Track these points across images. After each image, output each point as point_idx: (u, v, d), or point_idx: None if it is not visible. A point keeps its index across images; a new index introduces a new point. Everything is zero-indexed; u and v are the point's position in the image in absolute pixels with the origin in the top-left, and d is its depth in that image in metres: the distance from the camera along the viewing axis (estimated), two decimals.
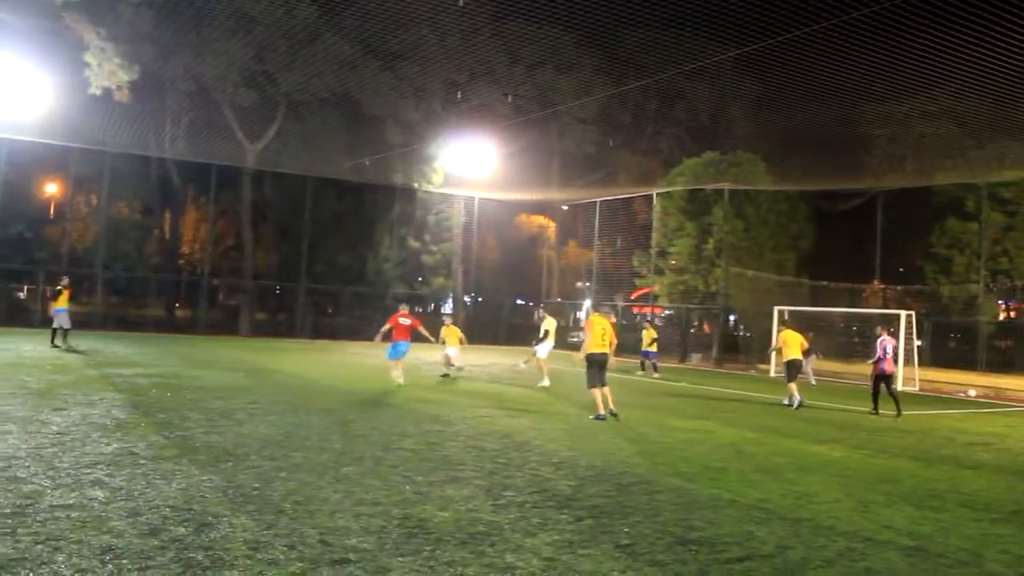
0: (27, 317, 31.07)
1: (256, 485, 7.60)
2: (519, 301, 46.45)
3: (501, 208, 44.44)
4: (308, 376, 19.13)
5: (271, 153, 38.62)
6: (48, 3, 29.53)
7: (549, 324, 20.86)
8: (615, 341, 14.38)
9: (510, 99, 39.13)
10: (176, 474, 7.87)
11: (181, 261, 42.75)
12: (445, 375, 20.77)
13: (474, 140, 37.96)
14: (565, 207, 45.95)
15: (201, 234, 44.01)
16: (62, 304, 22.83)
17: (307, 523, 6.47)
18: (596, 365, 13.90)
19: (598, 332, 13.98)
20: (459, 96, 37.86)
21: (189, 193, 43.57)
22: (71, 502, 6.63)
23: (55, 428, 9.97)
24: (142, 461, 8.35)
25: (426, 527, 6.58)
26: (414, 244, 41.10)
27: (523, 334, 38.74)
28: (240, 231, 40.72)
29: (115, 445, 9.06)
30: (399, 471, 8.69)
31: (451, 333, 21.22)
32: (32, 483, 7.18)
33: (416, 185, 39.78)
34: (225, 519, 6.42)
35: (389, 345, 18.14)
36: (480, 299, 44.23)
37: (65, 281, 23.36)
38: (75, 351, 21.90)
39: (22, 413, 10.97)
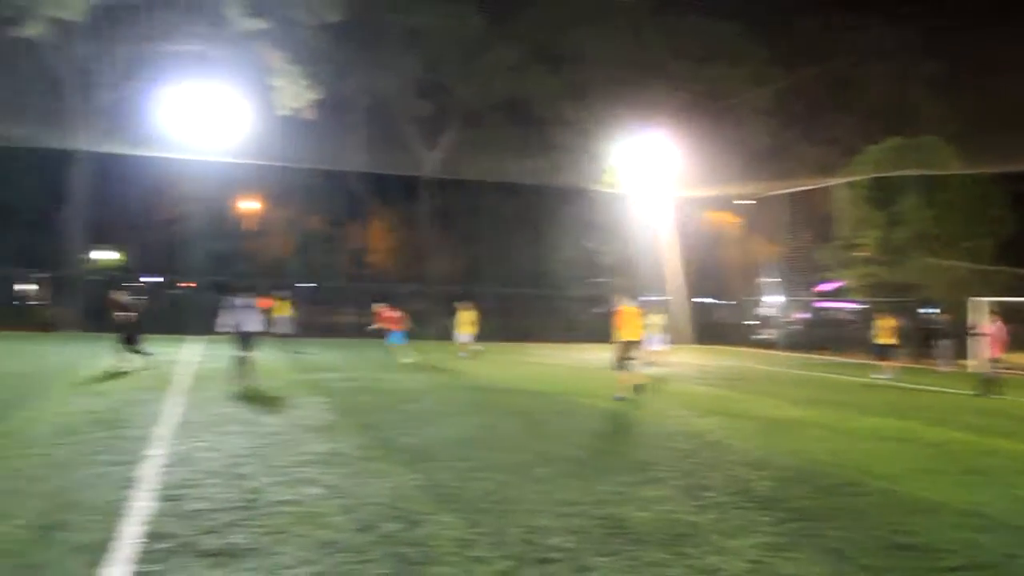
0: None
1: (457, 484, 7.86)
2: (705, 300, 45.52)
3: (681, 205, 43.78)
4: (495, 378, 19.51)
5: (448, 160, 39.72)
6: (238, 34, 31.58)
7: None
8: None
9: (683, 94, 38.60)
10: (382, 473, 8.24)
11: (368, 269, 44.52)
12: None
13: (649, 138, 37.65)
14: (746, 202, 44.81)
15: (386, 243, 45.75)
16: (283, 312, 24.91)
17: (509, 522, 6.64)
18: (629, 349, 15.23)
19: (634, 321, 15.37)
20: (629, 94, 37.67)
21: (373, 203, 45.41)
22: (290, 498, 7.09)
23: (270, 429, 10.67)
24: (350, 460, 8.81)
25: (626, 527, 6.62)
26: (591, 245, 41.21)
27: (719, 332, 38.31)
28: (422, 238, 42.14)
29: (325, 445, 9.59)
30: (594, 471, 8.77)
31: (465, 318, 24.94)
32: (254, 480, 7.72)
33: (591, 185, 39.87)
34: (432, 517, 6.69)
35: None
36: (667, 298, 43.70)
37: (285, 293, 25.65)
38: (301, 354, 23.80)
39: (240, 415, 11.79)
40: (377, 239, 46.68)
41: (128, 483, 7.41)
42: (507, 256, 40.66)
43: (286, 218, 39.20)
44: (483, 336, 26.64)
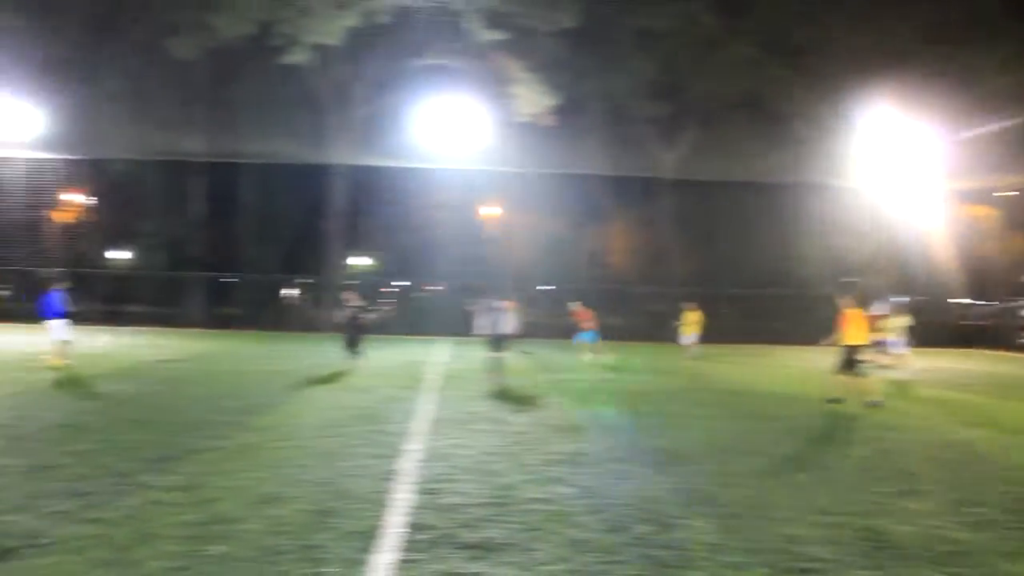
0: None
1: (709, 489, 7.71)
2: (962, 300, 42.26)
3: (935, 199, 40.86)
4: (737, 380, 19.03)
5: (685, 160, 39.22)
6: (478, 46, 32.73)
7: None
8: None
9: (936, 80, 35.97)
10: (631, 475, 8.23)
11: (608, 271, 44.72)
12: None
13: (896, 128, 35.39)
14: (1008, 193, 41.16)
15: (624, 244, 45.81)
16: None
17: (764, 529, 6.45)
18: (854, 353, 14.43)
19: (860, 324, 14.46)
20: (874, 83, 35.58)
21: (612, 205, 45.58)
22: (541, 496, 7.22)
23: (518, 428, 10.93)
24: (598, 461, 8.85)
25: (888, 541, 6.26)
26: (837, 242, 39.34)
27: (978, 335, 35.51)
28: (659, 239, 41.83)
29: (572, 445, 9.70)
30: (852, 480, 8.35)
31: (690, 319, 24.99)
32: (507, 477, 7.93)
33: (835, 181, 38.04)
34: (683, 521, 6.60)
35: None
36: (915, 298, 40.97)
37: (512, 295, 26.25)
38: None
39: (489, 414, 12.18)
40: (615, 241, 46.83)
41: (389, 476, 7.83)
42: (747, 256, 39.54)
43: (527, 222, 40.11)
44: (724, 338, 26.11)
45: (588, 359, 22.58)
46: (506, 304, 17.47)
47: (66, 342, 17.20)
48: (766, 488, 7.83)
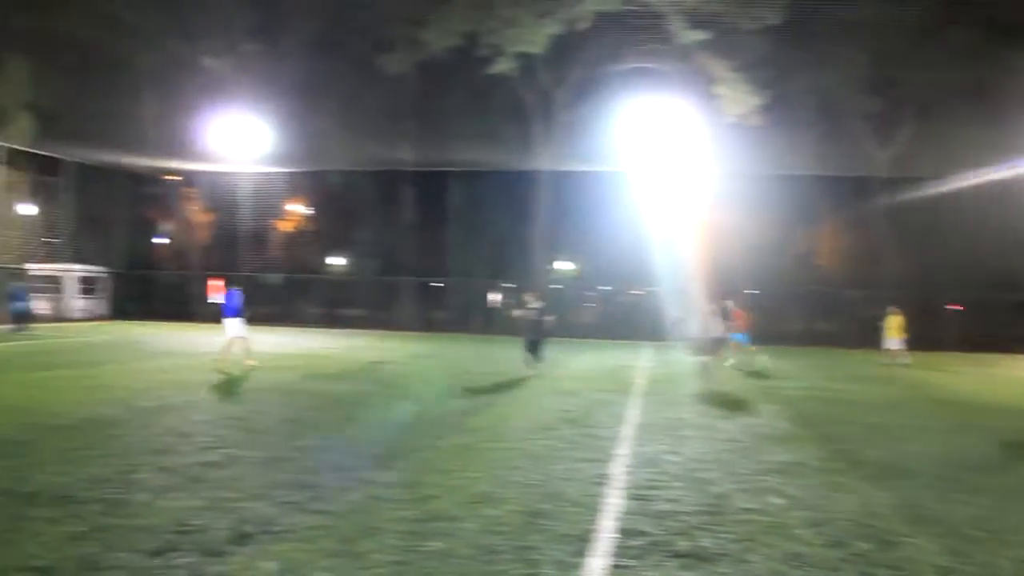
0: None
1: (933, 505, 7.27)
2: None
3: None
4: (966, 391, 17.81)
5: (902, 157, 37.14)
6: (681, 47, 32.33)
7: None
8: None
9: None
10: (847, 488, 7.88)
11: (817, 274, 42.99)
12: None
13: None
14: None
15: (835, 246, 43.88)
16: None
17: (999, 553, 6.01)
18: None
19: None
20: None
21: (822, 206, 43.80)
22: (754, 506, 7.03)
23: (727, 435, 10.70)
24: (812, 472, 8.53)
25: None
26: None
27: None
28: (873, 241, 39.78)
29: (785, 455, 9.39)
30: None
31: (893, 324, 23.79)
32: (718, 485, 7.78)
33: None
34: (907, 539, 6.26)
35: None
36: None
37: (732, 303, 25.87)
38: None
39: (696, 420, 12.00)
40: (825, 243, 44.95)
41: (599, 480, 7.86)
42: (972, 258, 36.83)
43: (733, 224, 39.15)
44: (944, 346, 24.50)
45: (730, 362, 21.65)
46: (715, 308, 17.16)
47: (242, 339, 17.81)
48: (998, 507, 7.29)
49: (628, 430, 10.89)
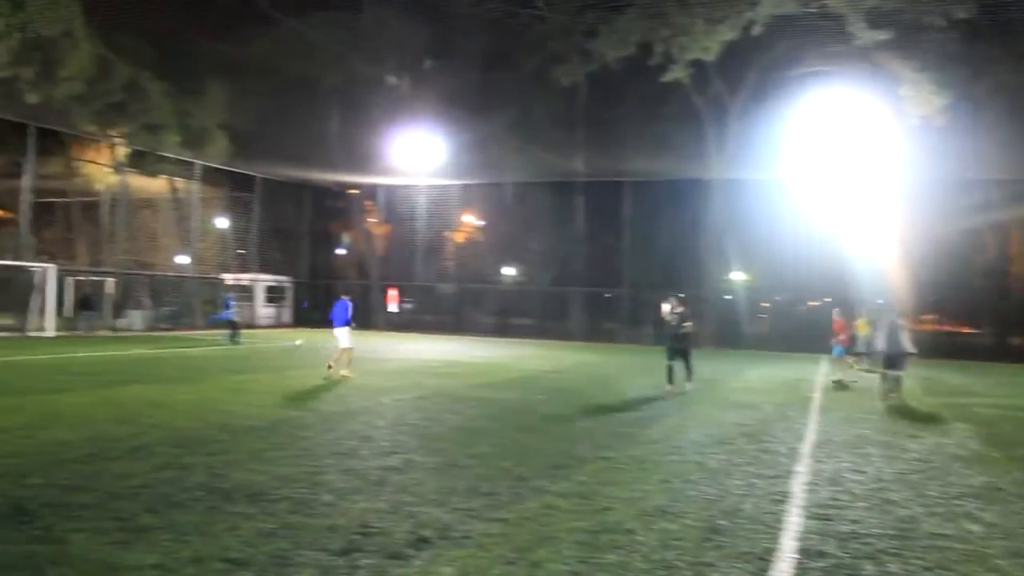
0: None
1: None
2: None
3: None
4: None
5: None
6: (861, 48, 30.99)
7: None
8: None
9: None
10: None
11: (1010, 282, 40.20)
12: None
13: None
14: None
15: None
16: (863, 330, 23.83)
17: None
18: None
19: None
20: None
21: (1014, 211, 40.91)
22: (948, 532, 6.64)
23: (914, 455, 10.17)
24: (1011, 498, 7.98)
25: None
26: None
27: None
28: None
29: (978, 478, 8.83)
30: None
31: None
32: (906, 508, 7.39)
33: None
34: None
35: None
36: None
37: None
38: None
39: (879, 437, 11.46)
40: (1016, 249, 41.95)
41: (777, 497, 7.63)
42: None
43: (917, 231, 37.17)
44: None
45: (836, 378, 20.30)
46: (903, 320, 16.37)
47: (348, 349, 17.90)
48: None
49: (807, 446, 10.53)
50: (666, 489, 7.81)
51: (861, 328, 23.49)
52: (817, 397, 16.89)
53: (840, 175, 33.57)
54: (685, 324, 16.73)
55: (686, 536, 6.22)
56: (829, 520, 6.86)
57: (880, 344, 16.21)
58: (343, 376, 17.38)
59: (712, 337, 35.77)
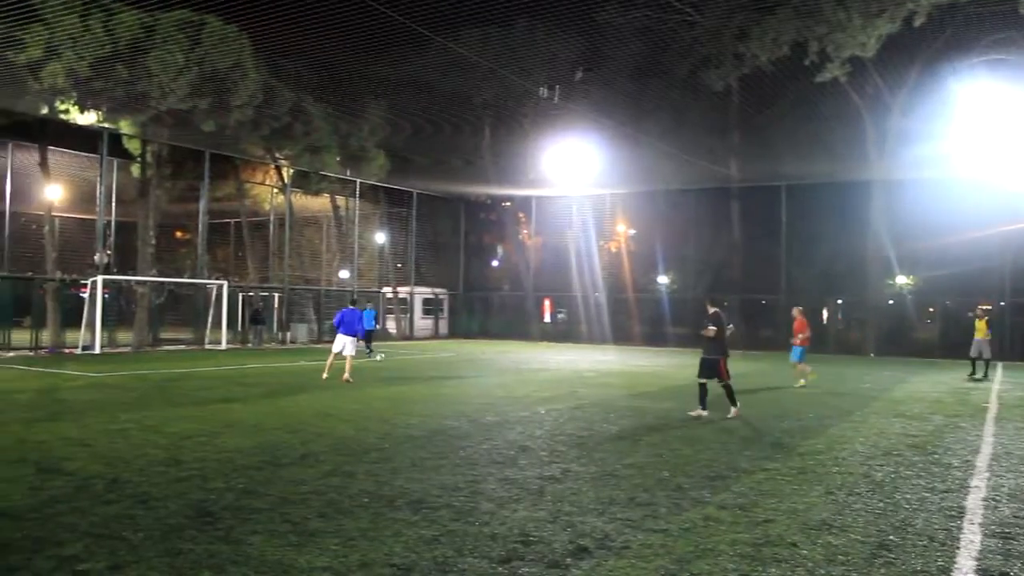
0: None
1: None
2: None
3: None
4: None
5: None
6: None
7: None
8: None
9: None
10: None
11: None
12: None
13: None
14: None
15: None
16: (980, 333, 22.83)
17: None
18: None
19: None
20: None
21: None
22: None
23: None
24: None
25: None
26: None
27: None
28: None
29: None
30: None
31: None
32: None
33: None
34: None
35: None
36: None
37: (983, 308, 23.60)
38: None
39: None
40: None
41: (951, 512, 7.25)
42: None
43: None
44: None
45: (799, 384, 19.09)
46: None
47: (351, 356, 18.88)
48: None
49: (983, 459, 9.95)
50: (830, 502, 7.57)
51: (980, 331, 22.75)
52: (993, 406, 15.91)
53: (1014, 169, 31.53)
54: (707, 329, 13.56)
55: (853, 551, 6.00)
56: (1011, 539, 6.47)
57: None
58: (345, 380, 18.32)
59: (876, 343, 34.38)
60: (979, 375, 22.52)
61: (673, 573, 5.44)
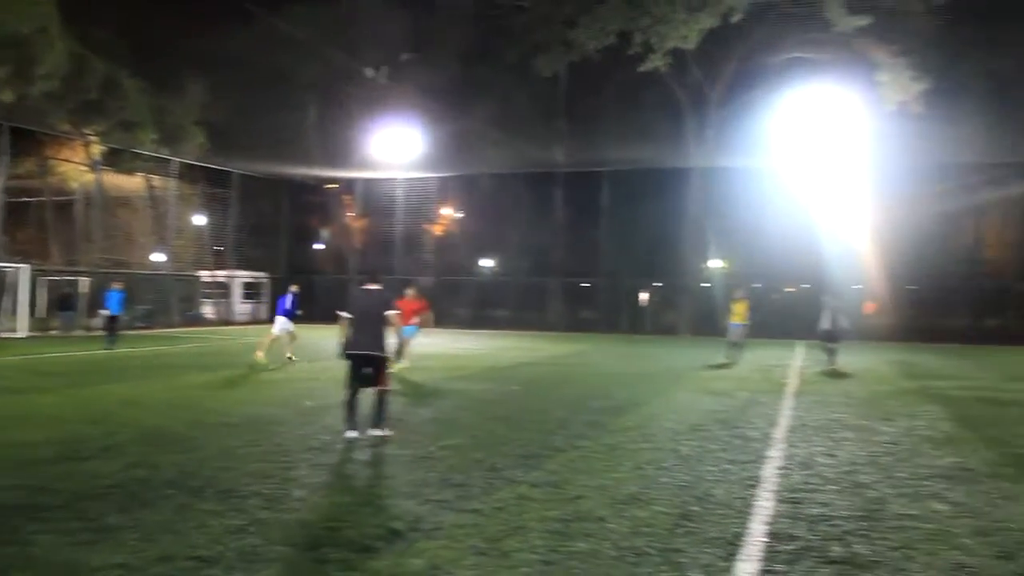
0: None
1: None
2: None
3: None
4: None
5: None
6: (839, 34, 31.13)
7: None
8: None
9: None
10: (1019, 495, 7.41)
11: (985, 268, 40.48)
12: None
13: None
14: None
15: (1007, 238, 41.15)
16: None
17: None
18: None
19: None
20: None
21: (990, 195, 41.18)
22: (914, 512, 6.71)
23: (886, 438, 10.25)
24: (979, 478, 8.06)
25: None
26: None
27: None
28: None
29: (947, 459, 8.93)
30: None
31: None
32: (875, 490, 7.47)
33: None
34: None
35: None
36: None
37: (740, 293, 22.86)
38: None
39: (852, 421, 11.56)
40: (993, 234, 42.26)
41: (749, 482, 7.68)
42: None
43: (891, 216, 37.34)
44: None
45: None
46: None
47: (290, 335, 19.42)
48: None
49: (781, 431, 10.60)
50: (639, 476, 7.85)
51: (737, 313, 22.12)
52: (793, 382, 16.99)
53: (818, 162, 33.66)
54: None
55: (657, 523, 6.25)
56: (799, 504, 6.91)
57: (824, 323, 19.71)
58: (259, 360, 18.51)
59: (691, 324, 35.99)
60: (730, 361, 21.53)
61: (484, 552, 5.50)
